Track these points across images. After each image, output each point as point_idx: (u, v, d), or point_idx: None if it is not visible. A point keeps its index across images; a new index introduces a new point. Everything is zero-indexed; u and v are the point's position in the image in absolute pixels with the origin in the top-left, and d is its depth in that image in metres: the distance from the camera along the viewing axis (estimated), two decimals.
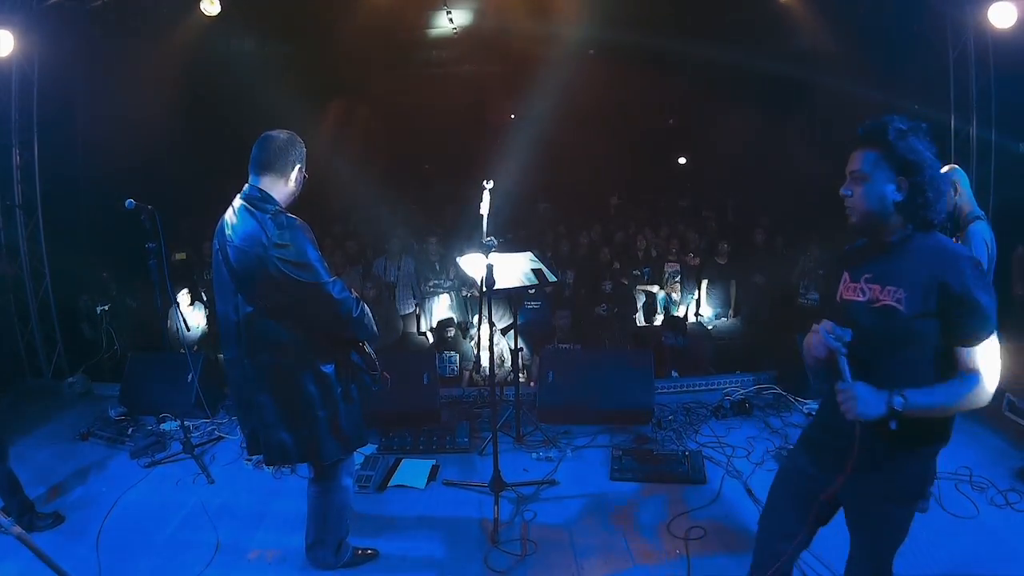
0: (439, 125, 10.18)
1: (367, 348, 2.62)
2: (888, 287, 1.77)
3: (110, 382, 5.20)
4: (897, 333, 1.74)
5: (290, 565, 2.91)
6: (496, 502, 3.21)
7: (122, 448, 4.05)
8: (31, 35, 5.14)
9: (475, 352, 5.94)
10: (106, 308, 6.22)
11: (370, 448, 3.83)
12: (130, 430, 4.26)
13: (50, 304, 5.69)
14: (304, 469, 3.06)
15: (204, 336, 6.40)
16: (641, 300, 7.25)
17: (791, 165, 8.27)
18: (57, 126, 5.87)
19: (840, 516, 1.97)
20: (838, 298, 1.92)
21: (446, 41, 9.02)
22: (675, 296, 7.16)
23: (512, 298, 4.66)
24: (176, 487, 3.64)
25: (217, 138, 7.45)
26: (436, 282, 7.03)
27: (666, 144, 11.70)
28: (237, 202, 2.43)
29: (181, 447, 3.93)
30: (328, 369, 2.49)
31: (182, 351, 5.34)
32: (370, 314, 2.52)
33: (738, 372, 5.00)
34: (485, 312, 3.34)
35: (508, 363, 5.55)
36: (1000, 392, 3.85)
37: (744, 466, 3.67)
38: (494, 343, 4.12)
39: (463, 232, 6.69)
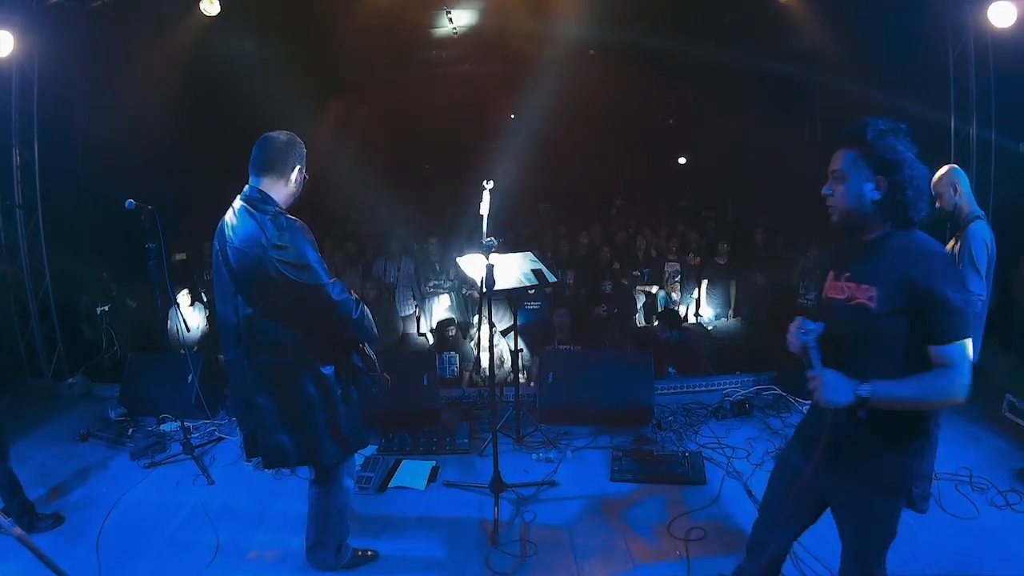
0: (439, 125, 10.17)
1: (367, 349, 2.62)
2: (863, 285, 1.79)
3: (110, 383, 5.21)
4: (868, 330, 1.77)
5: (290, 566, 2.91)
6: (496, 503, 3.22)
7: (122, 449, 4.06)
8: (31, 35, 5.14)
9: (475, 353, 5.94)
10: (106, 308, 6.22)
11: (370, 449, 3.84)
12: (130, 431, 4.27)
13: (50, 304, 5.68)
14: (304, 470, 3.06)
15: (204, 337, 6.39)
16: (641, 300, 7.24)
17: (791, 165, 8.23)
18: (57, 126, 5.86)
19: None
20: (824, 296, 1.96)
21: (446, 41, 9.02)
22: (675, 296, 7.16)
23: (512, 299, 4.66)
24: (176, 488, 3.64)
25: (217, 138, 7.46)
26: (436, 282, 7.02)
27: (666, 144, 11.68)
28: (237, 203, 2.43)
29: (181, 448, 3.94)
30: (328, 371, 2.49)
31: (182, 352, 5.35)
32: (370, 315, 2.52)
33: (738, 373, 5.00)
34: (485, 313, 3.33)
35: (508, 364, 5.54)
36: (1000, 393, 3.89)
37: (744, 467, 3.68)
38: (494, 344, 4.12)
39: (463, 232, 6.67)
